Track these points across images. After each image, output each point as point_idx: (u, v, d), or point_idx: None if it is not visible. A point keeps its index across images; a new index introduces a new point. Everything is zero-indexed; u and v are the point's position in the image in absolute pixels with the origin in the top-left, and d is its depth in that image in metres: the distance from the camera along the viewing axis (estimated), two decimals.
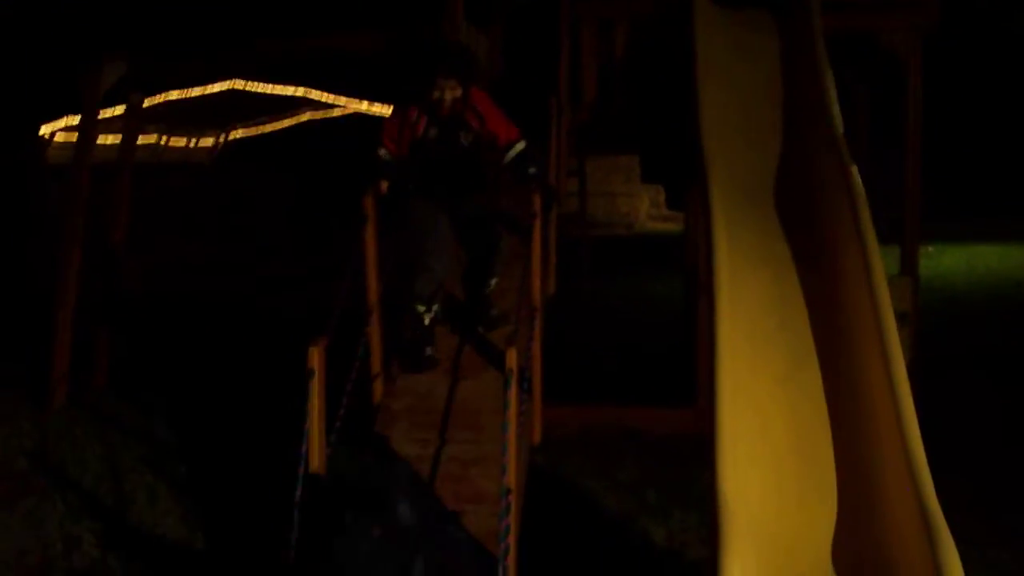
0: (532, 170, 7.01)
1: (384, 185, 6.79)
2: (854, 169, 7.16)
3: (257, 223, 22.34)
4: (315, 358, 5.55)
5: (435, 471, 6.27)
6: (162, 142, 25.74)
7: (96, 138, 11.35)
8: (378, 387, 6.92)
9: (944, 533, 4.98)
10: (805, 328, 6.55)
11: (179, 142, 27.10)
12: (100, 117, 11.17)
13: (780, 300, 6.70)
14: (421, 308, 7.01)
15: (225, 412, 10.34)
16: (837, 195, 7.03)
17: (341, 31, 10.71)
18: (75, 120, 22.49)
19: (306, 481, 5.45)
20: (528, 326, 6.85)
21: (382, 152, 6.91)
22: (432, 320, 7.08)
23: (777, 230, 7.27)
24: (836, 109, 7.75)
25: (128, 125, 12.08)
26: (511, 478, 5.26)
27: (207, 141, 28.58)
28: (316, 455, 5.55)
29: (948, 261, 18.63)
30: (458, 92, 6.75)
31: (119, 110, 12.60)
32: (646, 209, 29.17)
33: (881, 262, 6.37)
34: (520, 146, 7.03)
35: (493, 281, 7.24)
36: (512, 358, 5.41)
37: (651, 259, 20.99)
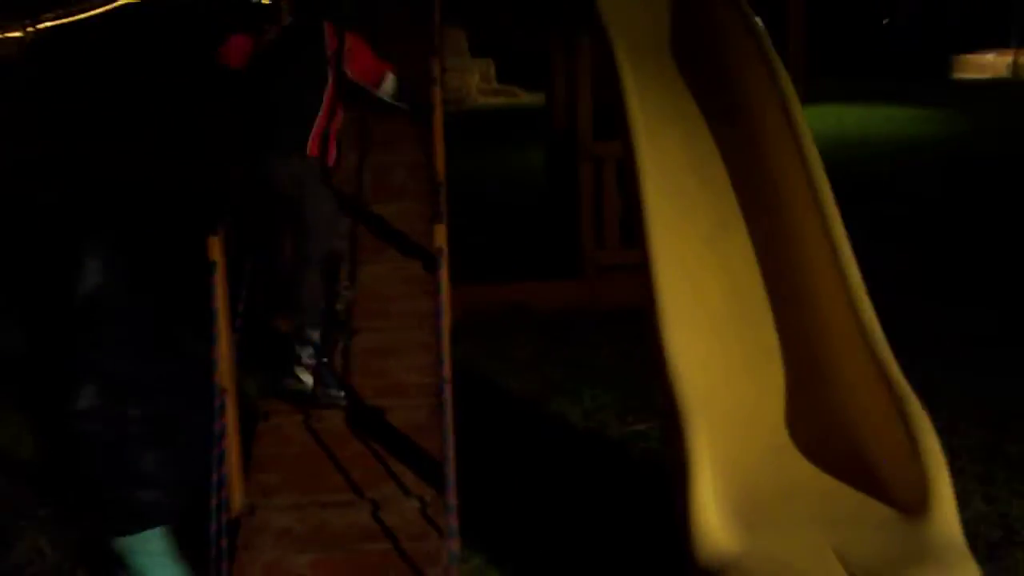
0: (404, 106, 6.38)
1: None
2: (758, 21, 6.81)
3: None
4: (215, 249, 4.93)
5: (347, 365, 5.78)
6: None
7: None
8: None
9: (904, 388, 4.77)
10: (727, 187, 6.20)
11: None
12: None
13: (698, 159, 6.32)
14: None
15: None
16: (745, 51, 6.65)
17: None
18: None
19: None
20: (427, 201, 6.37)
21: None
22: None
23: (683, 86, 6.88)
24: None
25: None
26: (448, 369, 4.80)
27: (14, 32, 26.78)
28: (225, 359, 4.96)
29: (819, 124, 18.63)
30: None
31: None
32: (476, 83, 28.72)
33: (803, 115, 6.04)
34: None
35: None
36: (441, 235, 4.91)
37: (493, 134, 20.55)
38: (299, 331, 5.70)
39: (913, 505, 4.51)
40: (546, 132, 11.77)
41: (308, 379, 5.65)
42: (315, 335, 5.71)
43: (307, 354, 5.66)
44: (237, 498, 5.10)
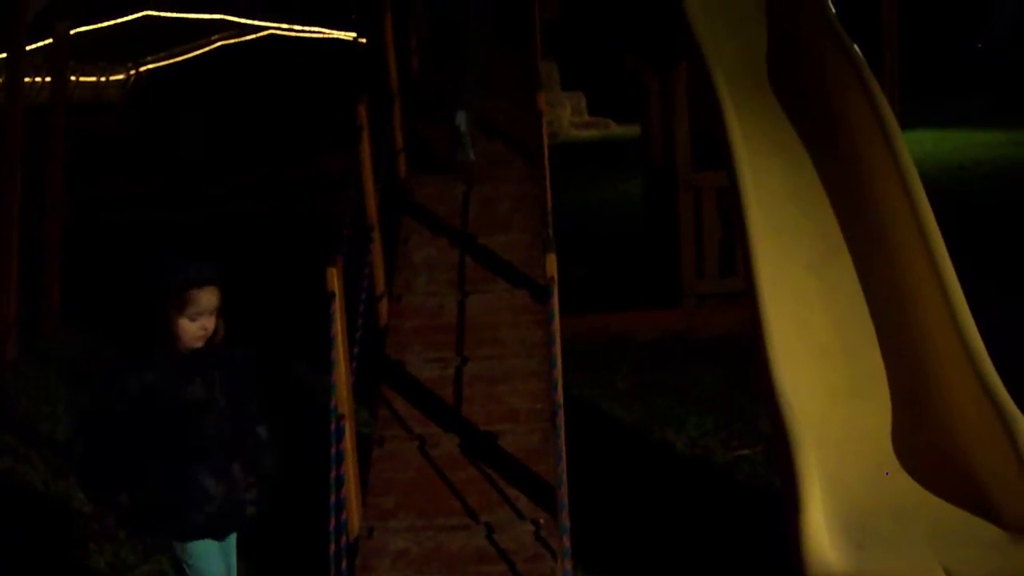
0: None
1: None
2: (856, 49, 6.89)
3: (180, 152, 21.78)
4: (334, 279, 5.13)
5: (459, 392, 5.93)
6: (73, 79, 24.69)
7: (25, 75, 10.68)
8: (383, 308, 6.54)
9: (1012, 410, 4.83)
10: (830, 217, 6.30)
11: (89, 78, 26.07)
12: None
13: (800, 189, 6.43)
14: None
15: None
16: (844, 78, 6.76)
17: None
18: None
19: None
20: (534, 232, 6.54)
21: None
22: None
23: (783, 116, 6.99)
24: None
25: (57, 59, 11.42)
26: (560, 395, 4.93)
27: (118, 76, 27.56)
28: (343, 385, 5.15)
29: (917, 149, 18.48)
30: None
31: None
32: (568, 116, 28.89)
33: (903, 143, 6.12)
34: None
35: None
36: (552, 264, 5.05)
37: (587, 164, 20.72)
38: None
39: (1022, 525, 4.56)
40: (641, 162, 11.89)
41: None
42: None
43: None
44: (355, 521, 5.25)
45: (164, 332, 4.16)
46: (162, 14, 22.23)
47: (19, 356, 10.04)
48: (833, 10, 7.33)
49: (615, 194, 16.91)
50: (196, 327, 4.19)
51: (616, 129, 27.32)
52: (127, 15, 21.19)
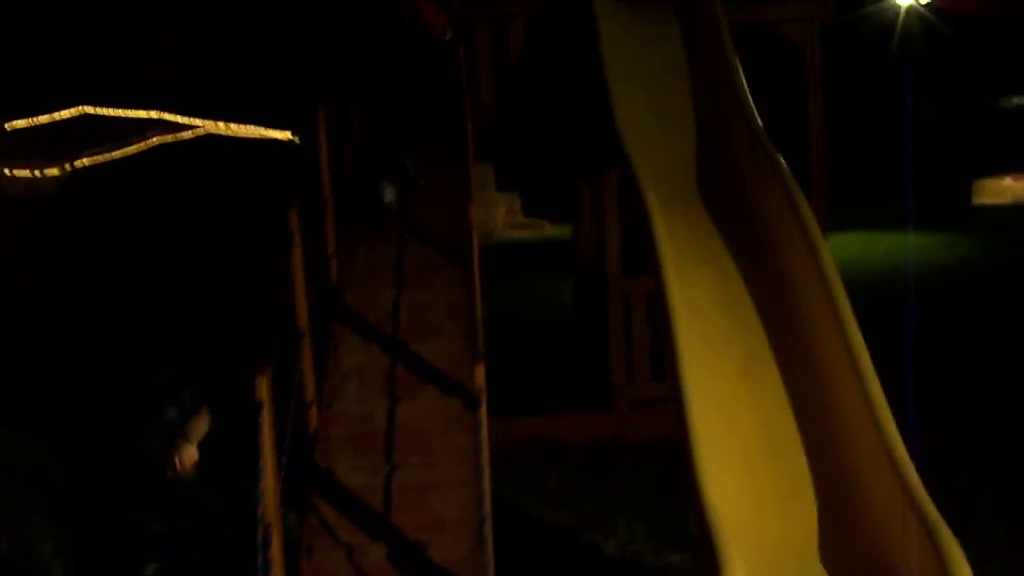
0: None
1: None
2: (781, 159, 7.05)
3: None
4: (263, 387, 5.12)
5: (388, 500, 5.91)
6: (7, 172, 24.56)
7: None
8: (313, 414, 6.52)
9: (935, 516, 4.88)
10: (756, 323, 6.40)
11: (23, 173, 25.91)
12: None
13: (728, 298, 6.54)
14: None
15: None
16: (769, 188, 6.92)
17: None
18: None
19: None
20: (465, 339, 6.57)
21: None
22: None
23: (711, 225, 7.12)
24: (750, 100, 7.65)
25: None
26: (488, 504, 4.94)
27: (53, 171, 27.41)
28: (271, 493, 5.11)
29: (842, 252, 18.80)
30: None
31: None
32: (503, 217, 29.08)
33: (829, 253, 6.25)
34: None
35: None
36: (480, 375, 5.09)
37: (520, 266, 20.81)
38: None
39: None
40: (573, 264, 11.99)
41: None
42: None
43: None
44: None
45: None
46: (99, 111, 22.20)
47: None
48: (759, 121, 7.49)
49: (547, 294, 16.98)
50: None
51: (551, 230, 27.48)
52: (62, 110, 21.11)
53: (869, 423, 5.43)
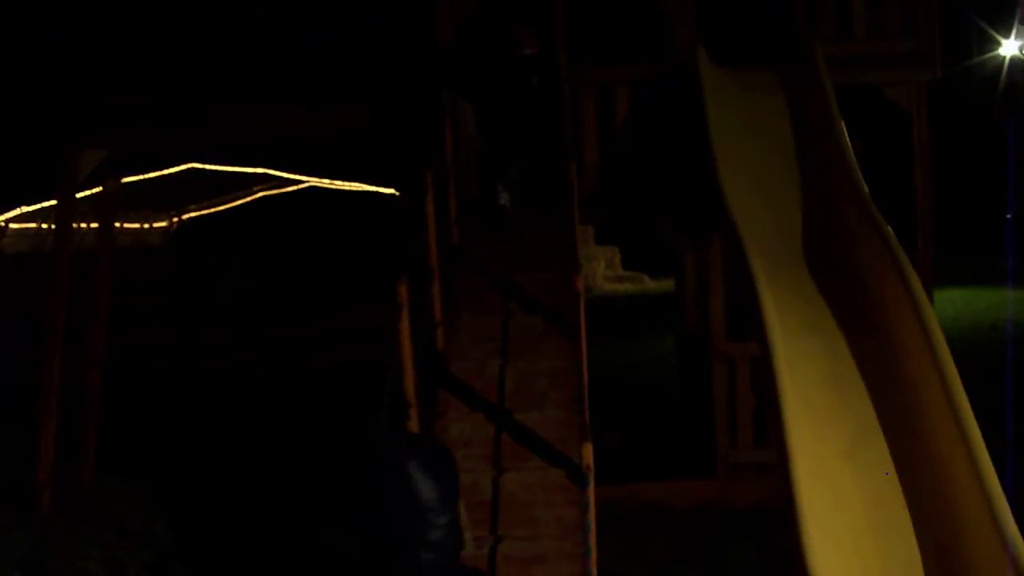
0: None
1: None
2: (888, 229, 6.99)
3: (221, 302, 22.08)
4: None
5: (494, 573, 5.92)
6: (117, 224, 25.10)
7: (72, 226, 10.98)
8: None
9: None
10: (865, 397, 6.33)
11: (133, 225, 26.61)
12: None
13: (835, 369, 6.48)
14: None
15: (223, 499, 9.93)
16: (877, 258, 6.86)
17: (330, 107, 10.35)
18: (27, 209, 22.15)
19: None
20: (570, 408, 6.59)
21: None
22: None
23: (816, 294, 7.07)
24: (856, 167, 7.60)
25: (105, 211, 11.70)
26: None
27: (160, 223, 28.14)
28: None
29: (947, 307, 18.49)
30: None
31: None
32: (602, 271, 29.11)
33: (939, 329, 6.16)
34: None
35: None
36: (588, 453, 5.10)
37: (621, 320, 20.80)
38: None
39: None
40: (677, 322, 11.95)
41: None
42: None
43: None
44: None
45: None
46: (206, 166, 22.73)
47: (54, 509, 10.05)
48: (865, 188, 7.43)
49: (649, 351, 16.96)
50: None
51: (651, 284, 27.50)
52: (173, 167, 21.66)
53: (982, 505, 5.33)
